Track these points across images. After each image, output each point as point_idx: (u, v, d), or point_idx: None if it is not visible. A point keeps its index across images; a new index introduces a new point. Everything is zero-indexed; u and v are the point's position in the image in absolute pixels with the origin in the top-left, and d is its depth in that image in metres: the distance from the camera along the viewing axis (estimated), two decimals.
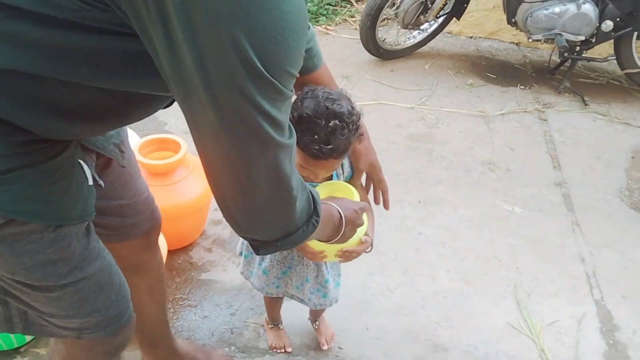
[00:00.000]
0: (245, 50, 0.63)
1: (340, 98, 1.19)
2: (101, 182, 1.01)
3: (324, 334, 1.79)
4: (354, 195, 1.27)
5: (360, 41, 3.38)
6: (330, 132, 1.14)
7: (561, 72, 3.50)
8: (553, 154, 2.86)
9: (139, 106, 0.86)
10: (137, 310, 1.36)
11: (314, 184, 1.30)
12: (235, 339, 1.79)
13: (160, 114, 2.33)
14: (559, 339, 1.91)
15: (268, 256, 1.45)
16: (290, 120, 0.78)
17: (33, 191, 0.82)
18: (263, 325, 1.83)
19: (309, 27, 0.88)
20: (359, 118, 1.22)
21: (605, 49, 3.45)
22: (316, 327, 1.80)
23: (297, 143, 1.04)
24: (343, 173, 1.38)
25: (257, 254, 0.94)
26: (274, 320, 1.77)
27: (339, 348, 1.79)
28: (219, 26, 0.62)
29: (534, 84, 3.45)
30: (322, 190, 1.26)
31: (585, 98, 3.31)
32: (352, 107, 1.20)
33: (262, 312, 1.87)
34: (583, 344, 1.90)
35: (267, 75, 0.66)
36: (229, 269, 2.04)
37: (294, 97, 1.16)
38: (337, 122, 1.14)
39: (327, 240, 1.13)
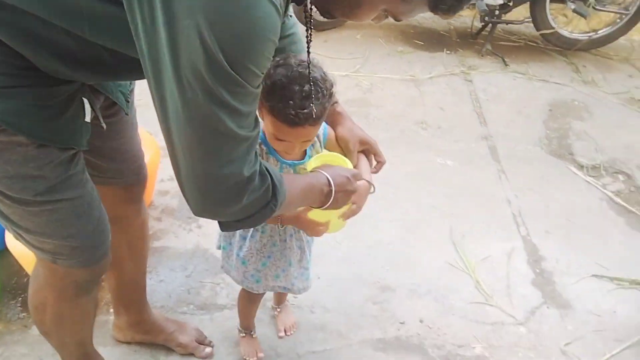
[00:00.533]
0: (210, 41, 0.71)
1: (313, 65, 1.15)
2: (103, 124, 1.08)
3: (284, 322, 1.77)
4: (347, 164, 1.26)
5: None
6: (305, 97, 1.11)
7: (483, 37, 3.72)
8: (479, 111, 3.06)
9: (131, 69, 0.91)
10: (115, 266, 1.43)
11: (299, 162, 1.28)
12: (193, 298, 1.86)
13: None
14: (491, 271, 2.10)
15: (246, 244, 1.41)
16: (263, 88, 0.85)
17: (28, 109, 0.89)
18: (219, 284, 1.91)
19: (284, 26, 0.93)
20: (332, 85, 1.19)
21: (522, 12, 3.70)
22: (277, 313, 1.79)
23: (272, 111, 1.11)
24: (318, 149, 1.34)
25: (221, 230, 1.01)
26: (247, 329, 1.70)
27: (294, 297, 1.89)
28: (191, 16, 0.71)
29: (459, 49, 3.65)
30: (315, 161, 1.25)
31: (505, 59, 3.54)
32: (324, 74, 1.18)
33: (217, 272, 1.94)
34: (513, 274, 2.10)
35: (228, 67, 0.74)
36: (180, 236, 2.09)
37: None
38: (311, 86, 1.11)
39: (319, 207, 1.16)
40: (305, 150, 1.30)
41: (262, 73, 0.80)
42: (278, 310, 1.79)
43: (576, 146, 2.86)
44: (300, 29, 1.28)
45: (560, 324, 1.92)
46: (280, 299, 1.78)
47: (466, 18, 3.98)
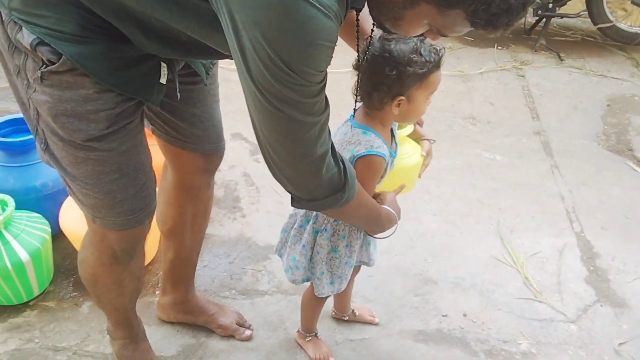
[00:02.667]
0: (269, 52, 0.79)
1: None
2: (178, 93, 1.15)
3: (367, 314, 1.77)
4: (419, 150, 1.38)
5: None
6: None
7: (537, 32, 3.61)
8: (531, 106, 2.96)
9: (202, 52, 1.02)
10: (176, 237, 1.52)
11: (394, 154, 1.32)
12: (235, 284, 1.88)
13: None
14: (541, 267, 2.01)
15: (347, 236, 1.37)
16: None
17: (100, 56, 0.96)
18: (260, 271, 1.92)
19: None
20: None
21: (578, 6, 3.56)
22: (356, 314, 1.75)
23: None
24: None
25: (292, 204, 1.09)
26: (311, 331, 1.64)
27: None
28: (250, 31, 0.79)
29: (511, 45, 3.56)
30: (403, 140, 1.36)
31: (560, 54, 3.42)
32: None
33: (259, 260, 1.96)
34: (565, 270, 2.01)
35: (288, 70, 0.81)
36: (225, 224, 2.13)
37: None
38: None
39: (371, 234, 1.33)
40: (393, 144, 1.32)
41: (322, 71, 0.86)
42: (352, 312, 1.76)
43: (636, 142, 2.71)
44: None
45: (614, 323, 1.82)
46: (342, 306, 1.74)
47: None
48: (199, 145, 1.35)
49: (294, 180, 1.01)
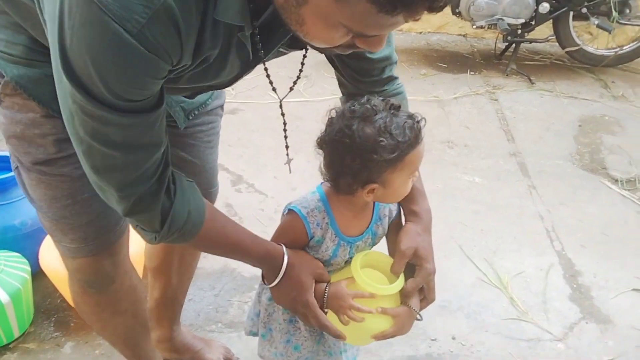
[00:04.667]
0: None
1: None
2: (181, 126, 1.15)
3: None
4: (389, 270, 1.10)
5: None
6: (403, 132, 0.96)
7: (507, 57, 3.72)
8: (506, 129, 3.03)
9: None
10: (162, 275, 1.48)
11: (358, 238, 1.12)
12: (221, 317, 1.86)
13: None
14: (525, 287, 2.04)
15: (301, 329, 1.20)
16: None
17: (45, 79, 0.91)
18: (247, 302, 1.90)
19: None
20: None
21: (545, 31, 3.69)
22: None
23: None
24: (387, 215, 1.16)
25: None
26: None
27: None
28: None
29: (483, 70, 3.66)
30: (360, 259, 1.09)
31: (531, 78, 3.52)
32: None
33: (244, 291, 1.94)
34: (549, 289, 2.03)
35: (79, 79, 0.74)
36: (209, 256, 2.10)
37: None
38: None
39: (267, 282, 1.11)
40: (369, 225, 1.12)
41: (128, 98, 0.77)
42: None
43: (609, 160, 2.79)
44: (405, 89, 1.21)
45: (600, 339, 1.84)
46: None
47: (489, 40, 4.00)
48: None
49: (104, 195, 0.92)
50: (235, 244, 1.07)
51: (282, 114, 1.05)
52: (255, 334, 1.28)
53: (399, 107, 0.98)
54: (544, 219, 2.38)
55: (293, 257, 1.08)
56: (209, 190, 1.37)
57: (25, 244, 1.78)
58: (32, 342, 1.71)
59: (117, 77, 0.73)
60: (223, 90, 1.20)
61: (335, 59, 1.10)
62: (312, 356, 1.24)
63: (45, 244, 1.75)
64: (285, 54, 0.98)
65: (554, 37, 3.57)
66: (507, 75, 3.57)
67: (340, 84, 1.18)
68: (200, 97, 1.19)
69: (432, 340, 1.81)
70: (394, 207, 1.17)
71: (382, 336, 1.10)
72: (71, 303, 1.81)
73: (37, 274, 1.79)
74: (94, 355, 1.68)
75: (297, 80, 1.02)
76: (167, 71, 0.77)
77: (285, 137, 1.09)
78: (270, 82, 0.99)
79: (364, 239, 1.14)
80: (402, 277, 1.10)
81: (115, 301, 1.25)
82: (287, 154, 1.14)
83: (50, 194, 1.04)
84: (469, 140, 2.90)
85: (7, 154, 1.91)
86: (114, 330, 1.34)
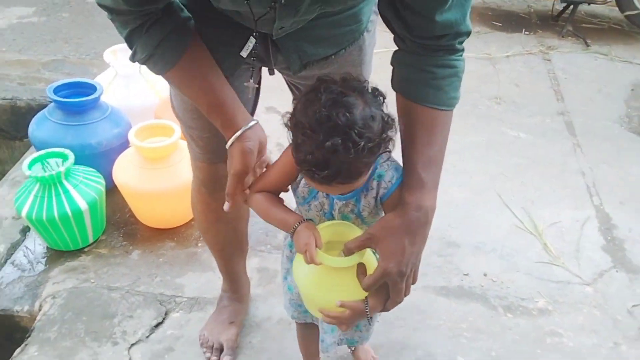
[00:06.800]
0: None
1: (357, 101, 0.87)
2: (250, 83, 1.09)
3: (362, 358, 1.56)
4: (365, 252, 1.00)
5: None
6: (328, 152, 0.84)
7: (564, 19, 3.67)
8: (556, 89, 3.04)
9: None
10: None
11: (350, 196, 1.02)
12: (270, 240, 2.02)
13: None
14: (560, 236, 2.11)
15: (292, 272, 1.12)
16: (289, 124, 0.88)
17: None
18: None
19: None
20: (385, 130, 0.91)
21: None
22: (352, 350, 1.57)
23: (294, 154, 0.90)
24: (375, 189, 1.01)
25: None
26: None
27: None
28: None
29: (538, 30, 3.63)
30: (325, 230, 1.01)
31: (587, 40, 3.47)
32: (371, 116, 0.87)
33: None
34: (583, 239, 2.10)
35: None
36: None
37: None
38: (339, 140, 0.83)
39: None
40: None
41: None
42: (352, 348, 1.56)
43: None
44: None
45: (629, 287, 1.91)
46: None
47: (546, 1, 3.94)
48: None
49: None
50: (198, 99, 1.07)
51: None
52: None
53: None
54: (586, 175, 2.43)
55: (251, 134, 1.04)
56: None
57: (100, 161, 1.98)
58: (104, 248, 1.93)
59: None
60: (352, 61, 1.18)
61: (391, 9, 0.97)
62: (301, 301, 1.20)
63: (118, 163, 1.95)
64: None
65: (614, 0, 3.49)
66: (562, 37, 3.53)
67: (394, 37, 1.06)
68: (321, 50, 1.13)
69: (465, 275, 1.93)
70: (388, 178, 1.01)
71: (326, 311, 1.01)
72: (139, 218, 2.02)
73: (109, 191, 2.00)
74: (158, 263, 1.88)
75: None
76: None
77: None
78: None
79: (346, 201, 1.03)
80: (356, 257, 0.99)
81: (222, 209, 1.25)
82: None
83: (183, 106, 1.20)
84: (518, 98, 2.93)
85: (87, 80, 2.13)
86: (215, 236, 1.51)
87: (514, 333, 1.72)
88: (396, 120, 0.95)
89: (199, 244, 1.95)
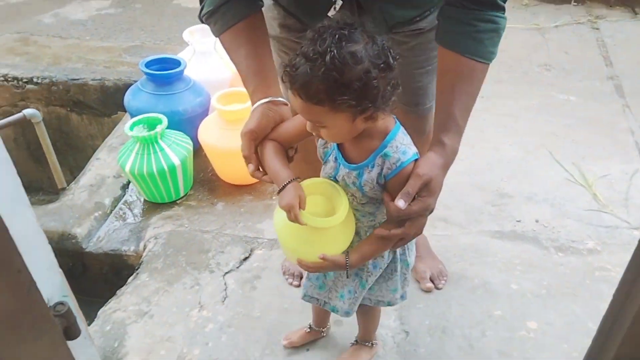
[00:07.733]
0: None
1: (359, 41, 0.89)
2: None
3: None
4: (342, 200, 1.04)
5: None
6: (300, 56, 0.90)
7: None
8: (605, 55, 3.12)
9: None
10: None
11: (362, 164, 1.05)
12: None
13: None
14: (609, 187, 2.24)
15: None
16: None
17: None
18: None
19: None
20: (365, 81, 0.88)
21: None
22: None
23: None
24: (380, 166, 1.03)
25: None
26: (318, 325, 1.58)
27: None
28: None
29: (587, 0, 3.69)
30: (307, 186, 1.07)
31: (635, 9, 3.52)
32: (359, 57, 0.88)
33: None
34: (632, 189, 2.22)
35: None
36: None
37: None
38: (312, 54, 0.88)
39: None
40: (362, 161, 1.04)
41: None
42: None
43: None
44: None
45: None
46: None
47: None
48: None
49: None
50: (241, 64, 1.14)
51: None
52: None
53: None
54: (635, 133, 2.53)
55: (277, 107, 1.09)
56: (407, 107, 1.46)
57: (187, 126, 2.25)
58: (193, 201, 2.20)
59: None
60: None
61: None
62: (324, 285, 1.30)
63: (203, 125, 2.22)
64: None
65: None
66: (610, 7, 3.59)
67: None
68: (405, 12, 1.20)
69: (517, 221, 2.09)
70: (396, 157, 1.02)
71: (305, 261, 1.09)
72: (220, 175, 2.28)
73: (194, 153, 2.27)
74: (240, 212, 2.14)
75: None
76: None
77: None
78: None
79: (349, 171, 1.06)
80: (338, 216, 1.03)
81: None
82: None
83: (279, 61, 1.27)
84: (567, 64, 3.03)
85: (172, 56, 2.40)
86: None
87: (565, 268, 1.88)
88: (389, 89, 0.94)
89: (274, 197, 2.20)
